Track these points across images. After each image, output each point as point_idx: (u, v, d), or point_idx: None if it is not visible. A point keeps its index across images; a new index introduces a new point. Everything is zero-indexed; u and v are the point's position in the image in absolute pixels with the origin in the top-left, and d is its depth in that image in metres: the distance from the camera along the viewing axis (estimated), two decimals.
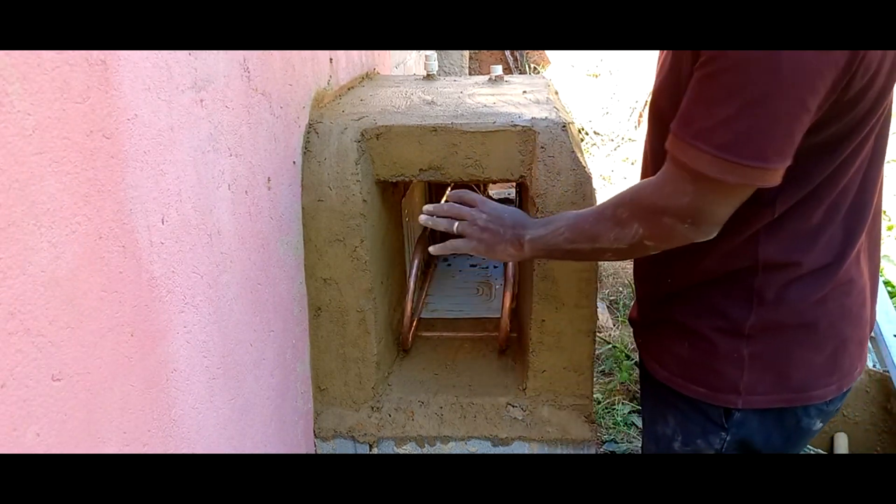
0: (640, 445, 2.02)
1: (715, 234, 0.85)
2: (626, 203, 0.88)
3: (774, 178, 0.78)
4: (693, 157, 0.78)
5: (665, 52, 0.96)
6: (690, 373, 0.98)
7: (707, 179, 0.78)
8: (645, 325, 1.09)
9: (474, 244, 1.04)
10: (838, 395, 0.96)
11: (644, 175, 1.03)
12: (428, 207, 1.11)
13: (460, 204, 1.09)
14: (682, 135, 0.80)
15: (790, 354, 0.92)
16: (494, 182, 1.56)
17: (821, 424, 0.98)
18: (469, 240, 1.04)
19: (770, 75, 0.73)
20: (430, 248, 1.11)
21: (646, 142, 1.03)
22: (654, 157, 0.97)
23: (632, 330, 1.18)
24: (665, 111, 0.90)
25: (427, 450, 1.50)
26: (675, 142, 0.81)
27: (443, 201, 1.14)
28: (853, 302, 0.94)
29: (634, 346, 2.27)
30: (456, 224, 1.06)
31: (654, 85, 0.97)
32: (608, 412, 2.19)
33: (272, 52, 1.20)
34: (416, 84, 1.90)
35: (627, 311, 2.77)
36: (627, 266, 3.40)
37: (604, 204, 0.93)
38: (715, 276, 0.94)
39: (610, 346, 2.51)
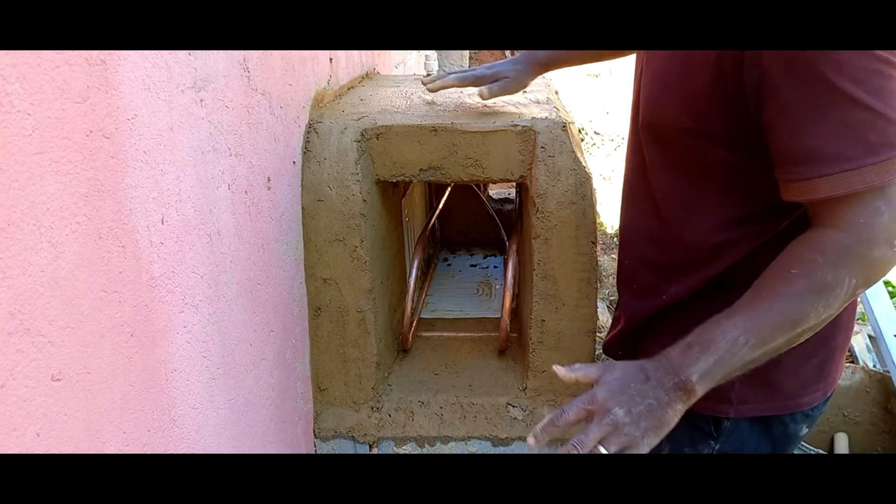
0: None
1: None
2: (825, 264, 0.75)
3: None
4: (856, 181, 0.72)
5: (652, 63, 0.91)
6: None
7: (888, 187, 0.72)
8: (627, 339, 1.06)
9: (644, 446, 0.75)
10: (823, 400, 0.97)
11: (635, 197, 1.01)
12: (538, 431, 0.78)
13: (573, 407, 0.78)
14: (827, 169, 0.73)
15: (780, 364, 0.89)
16: (494, 182, 1.56)
17: (807, 430, 0.98)
18: (636, 445, 0.75)
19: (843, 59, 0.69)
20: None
21: (639, 163, 0.97)
22: (642, 172, 0.94)
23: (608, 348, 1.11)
24: (671, 128, 0.88)
25: (427, 450, 1.50)
26: (820, 183, 0.73)
27: (550, 421, 0.78)
28: (845, 311, 0.91)
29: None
30: (595, 441, 0.75)
31: (652, 100, 0.91)
32: None
33: (272, 52, 1.20)
34: (416, 84, 1.90)
35: None
36: None
37: (776, 284, 0.77)
38: (711, 287, 0.92)
39: None
